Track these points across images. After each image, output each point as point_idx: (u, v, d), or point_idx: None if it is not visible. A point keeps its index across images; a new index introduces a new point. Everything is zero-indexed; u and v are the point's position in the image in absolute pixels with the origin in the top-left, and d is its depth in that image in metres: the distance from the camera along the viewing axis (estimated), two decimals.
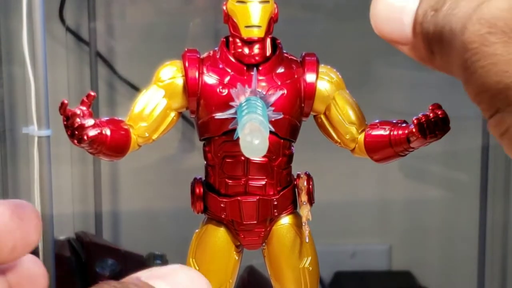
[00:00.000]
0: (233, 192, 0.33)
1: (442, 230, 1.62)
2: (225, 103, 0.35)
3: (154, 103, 0.35)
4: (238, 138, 0.33)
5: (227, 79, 0.36)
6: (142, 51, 1.50)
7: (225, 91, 0.35)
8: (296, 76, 0.36)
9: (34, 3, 1.11)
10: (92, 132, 0.33)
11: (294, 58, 0.37)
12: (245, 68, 0.36)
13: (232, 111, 0.35)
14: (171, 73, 0.36)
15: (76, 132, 0.33)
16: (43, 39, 1.13)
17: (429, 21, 0.27)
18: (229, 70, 0.36)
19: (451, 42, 0.25)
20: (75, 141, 0.34)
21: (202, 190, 0.38)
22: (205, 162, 0.38)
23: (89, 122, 0.33)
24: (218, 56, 0.36)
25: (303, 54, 0.38)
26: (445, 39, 0.26)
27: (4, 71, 1.43)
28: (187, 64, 0.36)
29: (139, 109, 0.35)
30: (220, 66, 0.36)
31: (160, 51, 1.53)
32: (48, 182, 1.15)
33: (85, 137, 0.33)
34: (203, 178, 0.39)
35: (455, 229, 1.60)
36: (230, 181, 0.36)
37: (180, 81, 0.36)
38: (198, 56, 0.36)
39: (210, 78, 0.36)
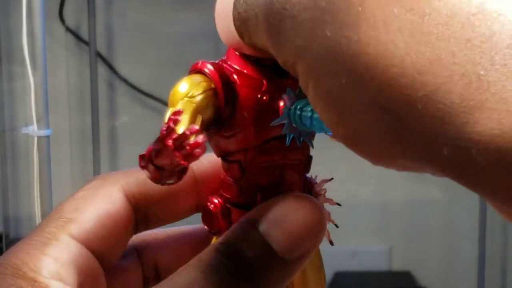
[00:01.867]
0: None
1: (442, 230, 1.62)
2: (269, 110, 0.34)
3: (190, 119, 0.33)
4: (275, 144, 0.33)
5: (263, 85, 0.35)
6: (142, 51, 1.50)
7: (266, 98, 0.34)
8: None
9: (34, 3, 1.11)
10: (202, 148, 0.30)
11: None
12: (274, 72, 0.35)
13: (284, 116, 0.34)
14: (200, 86, 0.34)
15: (189, 151, 0.30)
16: (43, 39, 1.13)
17: (238, 18, 0.30)
18: (260, 76, 0.35)
19: (257, 23, 0.28)
20: (185, 162, 0.30)
21: (224, 206, 0.36)
22: (227, 177, 0.36)
23: (202, 137, 0.30)
24: (236, 64, 0.35)
25: None
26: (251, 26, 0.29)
27: (4, 71, 1.44)
28: (217, 75, 0.34)
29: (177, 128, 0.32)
30: (248, 73, 0.35)
31: (160, 51, 1.54)
32: (48, 182, 1.15)
33: (197, 155, 0.30)
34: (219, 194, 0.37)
35: (455, 229, 1.61)
36: (263, 192, 0.35)
37: (210, 94, 0.34)
38: (219, 63, 0.35)
39: (244, 87, 0.34)
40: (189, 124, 0.32)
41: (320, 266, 0.37)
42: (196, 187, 0.37)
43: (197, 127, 0.30)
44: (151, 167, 0.30)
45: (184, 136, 0.29)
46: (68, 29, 1.47)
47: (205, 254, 0.30)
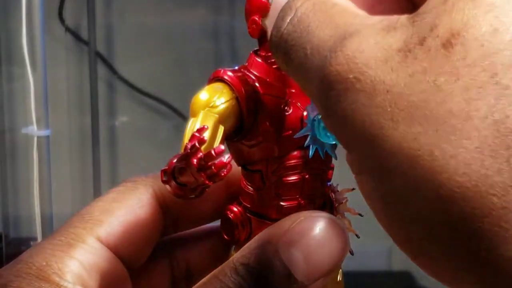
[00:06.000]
0: (287, 213, 0.32)
1: None
2: (292, 120, 0.34)
3: (212, 130, 0.32)
4: (300, 155, 0.32)
5: (286, 95, 0.34)
6: (142, 51, 1.50)
7: (289, 109, 0.34)
8: None
9: (33, 3, 1.11)
10: (227, 167, 0.29)
11: None
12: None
13: (307, 128, 0.33)
14: (220, 96, 0.33)
15: (215, 171, 0.29)
16: (42, 39, 1.13)
17: (277, 36, 0.25)
18: (283, 85, 0.34)
19: (307, 65, 0.24)
20: (210, 182, 0.29)
21: (244, 216, 0.35)
22: (248, 186, 0.35)
23: (228, 157, 0.29)
24: (258, 71, 0.34)
25: None
26: (298, 57, 0.24)
27: (3, 71, 1.43)
28: (238, 81, 0.34)
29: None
30: (271, 81, 0.34)
31: (160, 51, 1.54)
32: (48, 182, 1.15)
33: (223, 175, 0.29)
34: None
35: None
36: (285, 203, 0.34)
37: (232, 104, 0.33)
38: (241, 72, 0.34)
39: (267, 96, 0.34)
40: (213, 141, 0.31)
41: (339, 280, 0.36)
42: (227, 189, 0.36)
43: (223, 147, 0.29)
44: (173, 183, 0.29)
45: (209, 157, 0.28)
46: (67, 29, 1.47)
47: (223, 273, 0.29)
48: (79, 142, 1.52)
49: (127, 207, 0.33)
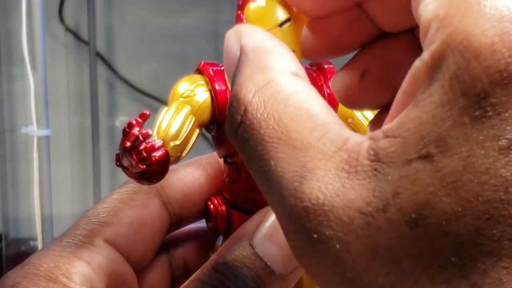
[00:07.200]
0: (263, 207, 0.32)
1: None
2: None
3: (181, 121, 0.32)
4: None
5: None
6: (142, 51, 1.50)
7: None
8: (319, 84, 0.35)
9: (33, 3, 1.11)
10: (159, 152, 0.30)
11: (307, 66, 0.36)
12: None
13: None
14: (195, 87, 0.34)
15: (145, 155, 0.30)
16: (42, 39, 1.13)
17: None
18: None
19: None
20: (142, 165, 0.29)
21: (224, 208, 0.36)
22: (227, 178, 0.35)
23: (159, 142, 0.30)
24: None
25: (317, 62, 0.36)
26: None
27: (3, 71, 1.43)
28: (213, 77, 0.34)
29: (167, 128, 0.32)
30: None
31: (160, 51, 1.54)
32: (48, 182, 1.15)
33: (154, 159, 0.30)
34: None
35: None
36: (260, 197, 0.35)
37: (205, 95, 0.34)
38: (221, 68, 0.35)
39: None
40: (181, 129, 0.31)
41: None
42: None
43: (151, 132, 0.30)
44: (121, 166, 0.30)
45: (138, 141, 0.29)
46: (68, 29, 1.47)
47: (203, 274, 0.30)
48: (79, 142, 1.52)
49: (132, 207, 0.34)
